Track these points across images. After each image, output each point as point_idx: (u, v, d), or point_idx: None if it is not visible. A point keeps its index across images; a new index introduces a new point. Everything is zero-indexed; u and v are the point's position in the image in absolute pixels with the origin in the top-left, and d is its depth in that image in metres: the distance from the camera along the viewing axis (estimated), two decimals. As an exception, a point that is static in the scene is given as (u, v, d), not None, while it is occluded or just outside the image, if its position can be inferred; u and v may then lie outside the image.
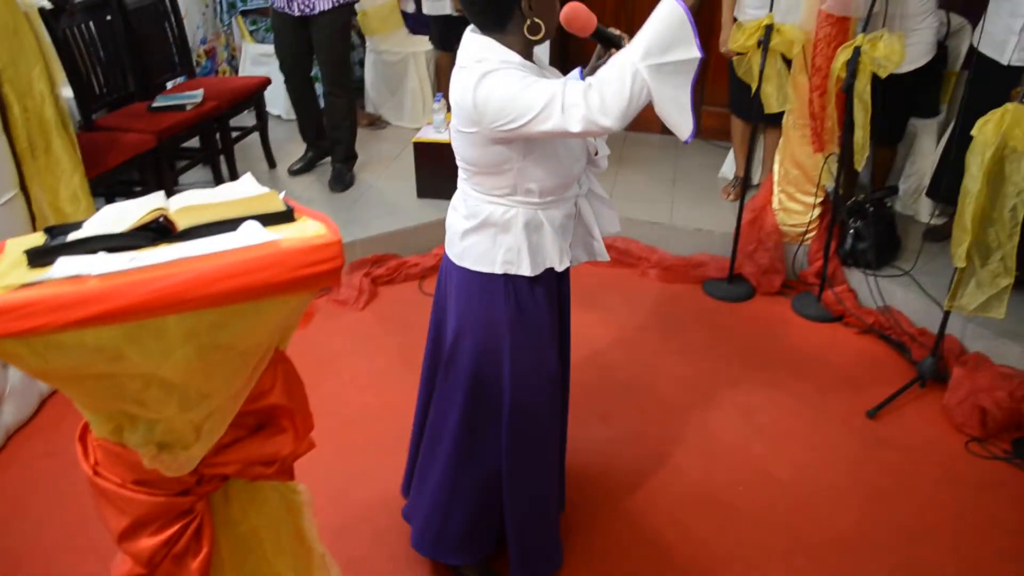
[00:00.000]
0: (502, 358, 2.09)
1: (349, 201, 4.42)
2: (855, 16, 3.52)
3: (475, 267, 2.02)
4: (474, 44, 1.85)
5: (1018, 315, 3.44)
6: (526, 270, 2.00)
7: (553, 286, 2.15)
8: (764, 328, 3.74)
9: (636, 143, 5.16)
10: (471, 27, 1.91)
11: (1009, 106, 2.76)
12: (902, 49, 3.24)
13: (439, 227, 4.19)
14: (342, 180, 4.59)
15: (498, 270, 2.00)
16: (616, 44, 1.85)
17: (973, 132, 2.83)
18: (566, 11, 1.81)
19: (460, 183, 2.06)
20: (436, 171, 4.34)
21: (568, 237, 2.10)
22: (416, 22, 5.69)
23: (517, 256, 1.99)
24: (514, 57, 1.83)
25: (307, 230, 1.15)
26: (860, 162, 3.45)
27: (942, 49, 4.20)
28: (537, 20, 1.82)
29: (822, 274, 3.78)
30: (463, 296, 2.08)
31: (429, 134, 4.34)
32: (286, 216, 1.25)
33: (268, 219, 1.23)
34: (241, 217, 1.22)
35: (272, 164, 4.86)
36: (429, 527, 2.35)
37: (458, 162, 2.01)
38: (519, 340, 2.07)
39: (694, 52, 1.68)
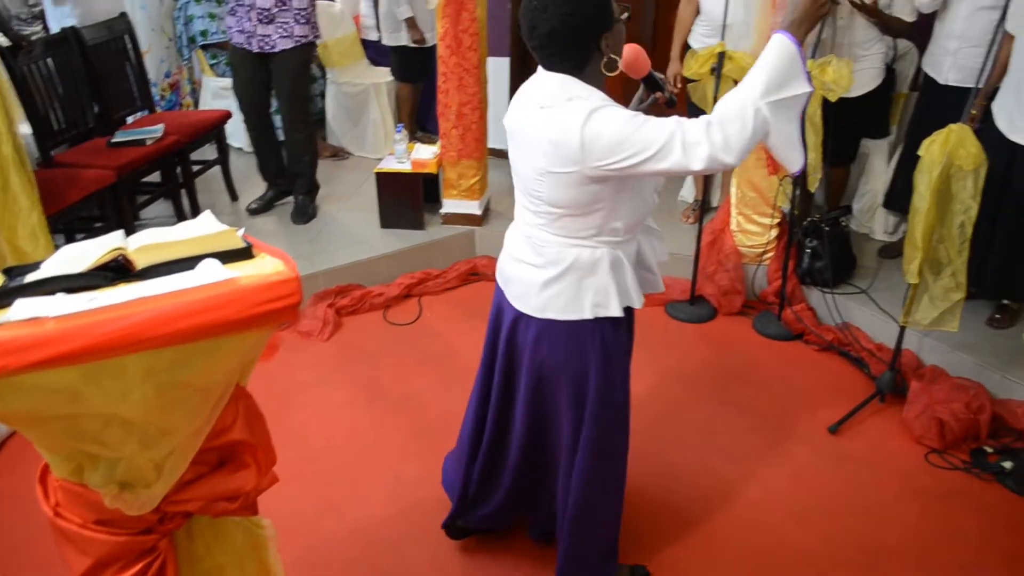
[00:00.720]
0: (586, 406, 2.08)
1: (312, 232, 4.43)
2: (804, 41, 3.61)
3: (562, 316, 1.99)
4: (555, 82, 1.83)
5: (972, 328, 3.54)
6: (615, 311, 1.97)
7: (625, 326, 2.14)
8: (726, 348, 3.79)
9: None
10: (541, 67, 1.90)
11: (953, 126, 2.85)
12: (850, 74, 3.33)
13: (402, 257, 4.26)
14: (305, 212, 4.59)
15: (588, 315, 1.97)
16: (662, 88, 1.92)
17: (920, 152, 2.91)
18: (629, 52, 1.86)
19: (531, 231, 2.00)
20: (399, 201, 4.36)
21: (637, 273, 2.08)
22: (377, 53, 5.74)
23: (606, 298, 1.97)
24: (597, 93, 1.83)
25: (265, 267, 1.17)
26: (813, 183, 3.53)
27: (890, 72, 4.32)
28: (613, 56, 1.84)
29: (781, 293, 3.85)
30: (544, 348, 2.05)
31: (391, 164, 4.37)
32: (245, 253, 1.26)
33: (227, 256, 1.25)
34: (200, 255, 1.24)
35: (234, 197, 4.86)
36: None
37: (535, 208, 1.95)
38: (604, 387, 2.07)
39: (806, 86, 1.76)
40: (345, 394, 3.43)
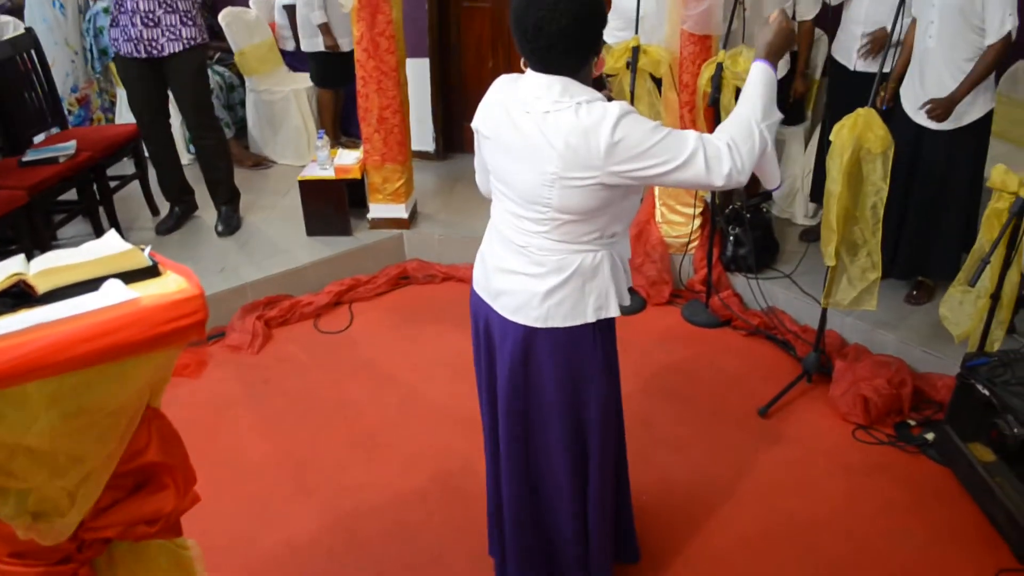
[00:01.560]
0: (590, 407, 2.09)
1: (238, 244, 4.36)
2: (715, 34, 3.68)
3: (565, 323, 1.96)
4: (556, 85, 1.79)
5: (890, 306, 3.65)
6: (614, 311, 1.99)
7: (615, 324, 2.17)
8: (657, 338, 3.84)
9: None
10: (531, 69, 1.84)
11: (861, 111, 2.93)
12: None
13: (331, 264, 4.21)
14: (230, 223, 4.50)
15: (591, 318, 1.97)
16: (605, 85, 1.99)
17: (831, 137, 2.99)
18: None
19: (528, 240, 1.94)
20: (324, 208, 4.32)
21: None
22: (296, 59, 5.67)
23: (607, 300, 1.98)
24: (599, 95, 1.83)
25: (168, 285, 1.15)
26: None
27: (802, 60, 4.43)
28: (602, 56, 1.89)
29: (707, 281, 3.92)
30: (546, 357, 2.01)
31: (314, 171, 4.32)
32: (151, 272, 1.24)
33: (131, 276, 1.22)
34: (103, 276, 1.21)
35: (155, 211, 4.74)
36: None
37: (538, 216, 1.88)
38: (607, 388, 2.09)
39: (779, 113, 1.92)
40: (278, 407, 3.39)
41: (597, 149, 1.73)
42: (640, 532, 2.70)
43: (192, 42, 4.08)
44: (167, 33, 4.00)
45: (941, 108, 3.30)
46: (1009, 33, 3.14)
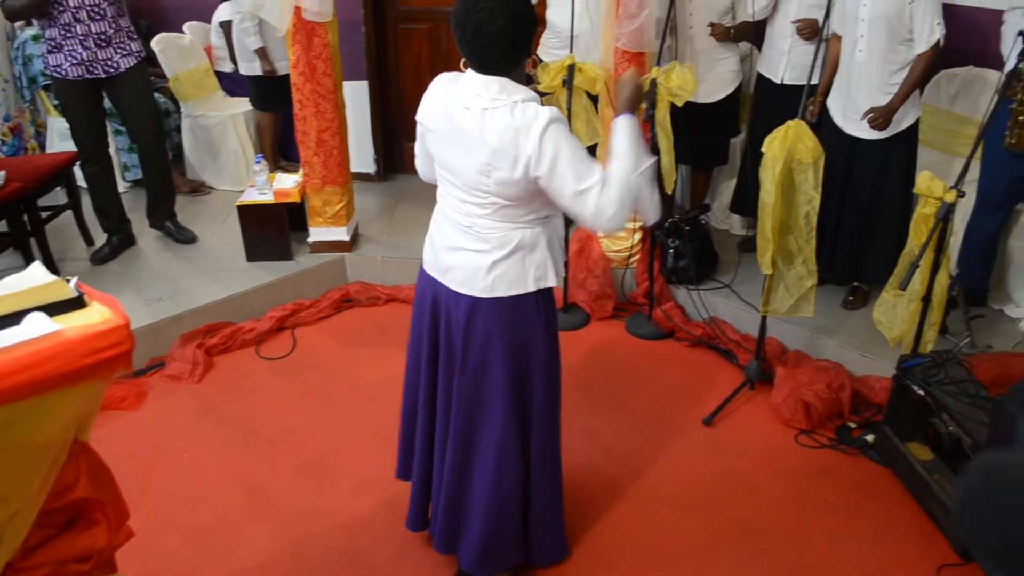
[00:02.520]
0: (533, 371, 2.27)
1: (175, 271, 4.28)
2: (649, 51, 3.74)
3: (508, 292, 2.16)
4: (494, 84, 1.99)
5: (827, 312, 3.73)
6: (552, 281, 2.20)
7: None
8: (602, 352, 3.87)
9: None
10: (471, 69, 2.03)
11: (791, 123, 3.00)
12: (694, 79, 3.46)
13: (272, 289, 4.16)
14: (185, 232, 4.59)
15: (531, 288, 2.17)
16: (532, 80, 2.11)
17: (763, 149, 3.05)
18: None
19: (472, 221, 2.13)
20: (264, 233, 4.27)
21: None
22: (232, 84, 5.61)
23: (545, 271, 2.18)
24: (535, 95, 2.03)
25: (92, 316, 1.13)
26: (669, 186, 3.64)
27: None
28: (533, 56, 2.01)
29: (650, 294, 3.96)
30: (493, 325, 2.19)
31: (253, 196, 4.27)
32: (76, 303, 1.21)
33: (56, 308, 1.19)
34: (26, 309, 1.18)
35: (90, 241, 4.63)
36: (488, 541, 2.40)
37: (479, 200, 2.09)
38: (549, 352, 2.27)
39: (651, 156, 2.06)
40: (222, 436, 3.32)
41: (524, 148, 1.94)
42: (587, 542, 2.72)
43: (141, 54, 4.16)
44: (119, 50, 4.05)
45: (882, 117, 3.40)
46: (938, 41, 3.26)
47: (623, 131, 2.04)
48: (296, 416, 3.43)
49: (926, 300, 2.94)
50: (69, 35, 3.92)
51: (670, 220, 4.05)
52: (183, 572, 2.66)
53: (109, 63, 4.03)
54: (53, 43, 3.95)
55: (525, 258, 2.14)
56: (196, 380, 3.64)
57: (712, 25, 3.91)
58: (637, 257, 4.12)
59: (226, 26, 5.39)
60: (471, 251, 2.15)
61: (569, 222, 4.00)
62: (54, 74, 4.00)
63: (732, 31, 3.94)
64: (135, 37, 4.16)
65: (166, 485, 3.04)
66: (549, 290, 2.25)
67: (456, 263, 2.18)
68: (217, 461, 3.18)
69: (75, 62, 3.96)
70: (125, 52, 4.08)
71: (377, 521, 2.85)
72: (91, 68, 4.00)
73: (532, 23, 2.00)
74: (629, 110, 2.10)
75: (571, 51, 3.66)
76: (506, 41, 1.93)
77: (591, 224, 2.03)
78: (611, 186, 1.96)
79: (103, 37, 3.98)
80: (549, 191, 2.00)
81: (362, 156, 5.32)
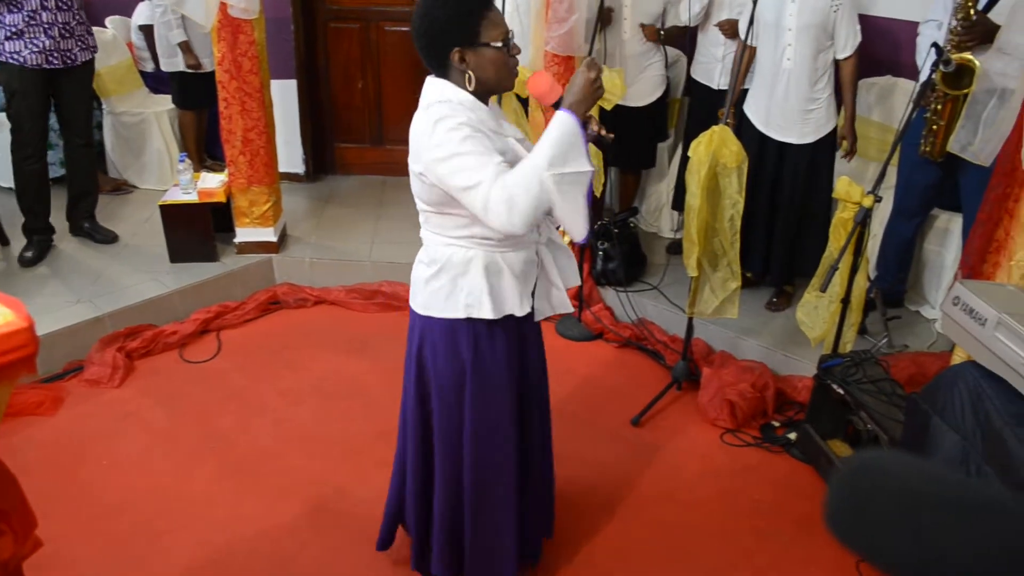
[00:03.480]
0: (463, 406, 2.15)
1: (95, 272, 4.15)
2: (578, 55, 3.77)
3: (439, 314, 2.06)
4: (430, 87, 1.95)
5: (752, 313, 3.81)
6: (487, 312, 2.01)
7: (514, 336, 2.15)
8: (533, 353, 3.87)
9: (398, 186, 5.22)
10: None
11: (716, 128, 3.05)
12: (623, 83, 3.50)
13: (196, 292, 4.07)
14: (107, 232, 4.50)
15: (461, 314, 2.03)
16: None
17: (689, 153, 3.10)
18: (530, 80, 1.93)
19: (422, 231, 2.09)
20: (187, 233, 4.17)
21: (530, 283, 2.12)
22: (156, 81, 5.47)
23: (478, 299, 2.01)
24: (467, 98, 1.91)
25: (-7, 318, 1.08)
26: (598, 188, 3.68)
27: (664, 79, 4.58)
28: (471, 73, 1.88)
29: (579, 296, 3.98)
30: (428, 345, 2.12)
31: (176, 196, 4.17)
32: (-23, 304, 1.16)
33: (-45, 309, 1.14)
34: (-77, 310, 1.13)
35: (5, 242, 4.45)
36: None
37: (418, 206, 2.05)
38: (476, 388, 2.13)
39: (587, 165, 1.81)
40: (142, 442, 3.23)
41: (420, 147, 1.89)
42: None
43: (95, 51, 4.15)
44: (79, 43, 4.04)
45: (851, 139, 3.63)
46: (859, 45, 3.41)
47: (552, 125, 1.82)
48: (219, 421, 3.35)
49: (845, 302, 3.02)
50: (34, 22, 3.85)
51: (599, 223, 4.09)
52: (100, 583, 2.58)
53: (69, 54, 3.98)
54: (14, 29, 3.85)
55: (457, 280, 2.02)
56: (116, 385, 3.53)
57: (643, 27, 3.96)
58: (567, 259, 4.14)
59: (146, 29, 5.27)
60: (418, 263, 2.13)
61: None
62: (10, 60, 3.87)
63: (662, 33, 4.00)
64: (92, 32, 4.13)
65: (84, 493, 2.94)
66: (489, 325, 2.07)
67: (413, 275, 2.15)
68: (137, 468, 3.09)
69: (36, 50, 3.88)
70: (84, 46, 4.06)
71: (302, 528, 2.80)
72: (51, 58, 3.93)
73: (446, 33, 1.87)
74: (574, 109, 1.82)
75: (501, 53, 3.66)
76: (420, 46, 1.91)
77: (488, 225, 1.85)
78: (505, 184, 1.78)
79: (67, 28, 3.94)
80: (446, 188, 1.87)
81: (291, 156, 5.24)
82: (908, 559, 0.83)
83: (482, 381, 2.13)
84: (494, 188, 1.78)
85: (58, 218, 4.45)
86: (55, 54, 3.94)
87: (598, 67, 1.87)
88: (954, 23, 3.16)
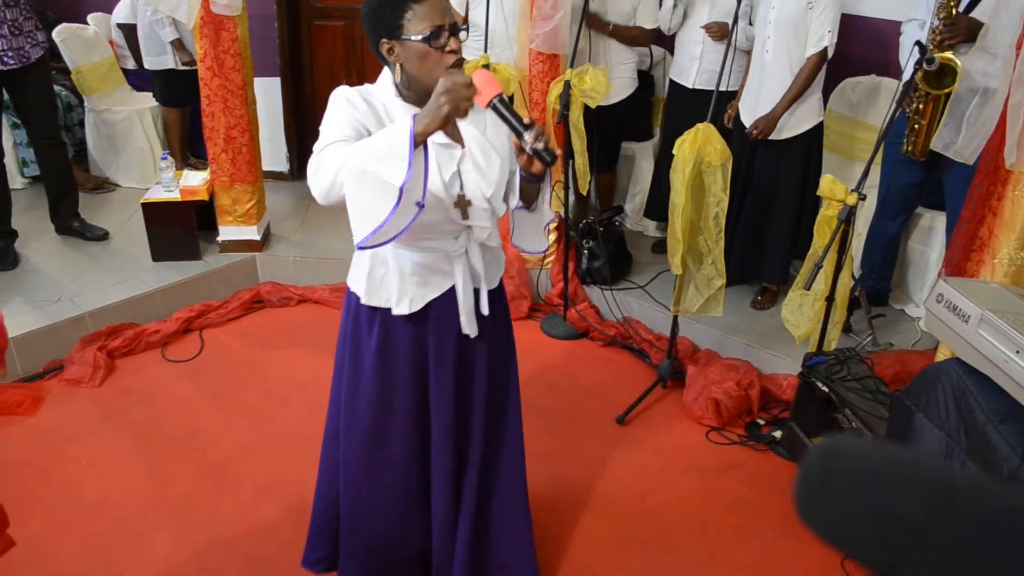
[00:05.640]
0: (340, 376, 2.20)
1: (76, 271, 4.11)
2: (563, 53, 3.76)
3: (349, 282, 2.12)
4: (382, 74, 1.93)
5: (737, 311, 3.81)
6: (361, 293, 2.06)
7: (416, 329, 2.08)
8: (518, 352, 3.84)
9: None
10: None
11: (700, 126, 3.04)
12: (607, 81, 3.49)
13: (178, 290, 4.04)
14: (95, 229, 4.44)
15: (349, 283, 2.11)
16: (515, 129, 1.70)
17: (674, 151, 3.09)
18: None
19: None
20: (170, 231, 4.13)
21: (424, 287, 2.02)
22: (139, 78, 5.43)
23: (359, 279, 2.07)
24: (388, 90, 1.89)
25: (-41, 311, 1.06)
26: (584, 186, 3.67)
27: (649, 78, 4.58)
28: (399, 65, 1.83)
29: (564, 295, 3.97)
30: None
31: (159, 194, 4.13)
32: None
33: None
34: None
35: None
36: None
37: None
38: (347, 361, 2.15)
39: (395, 177, 1.56)
40: (123, 442, 3.20)
41: None
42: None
43: (46, 45, 4.04)
44: (30, 39, 3.93)
45: (763, 124, 3.52)
46: (825, 48, 3.39)
47: (391, 125, 1.65)
48: (201, 420, 3.32)
49: (830, 300, 3.02)
50: None
51: (585, 221, 4.08)
52: (78, 584, 2.55)
53: (22, 52, 3.88)
54: None
55: (358, 257, 2.07)
56: (97, 384, 3.50)
57: (614, 26, 3.94)
58: (552, 258, 4.13)
59: (125, 28, 5.23)
60: None
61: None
62: None
63: (611, 27, 3.97)
64: (41, 27, 4.03)
65: (64, 493, 2.91)
66: (371, 310, 2.06)
67: None
68: (117, 468, 3.06)
69: None
70: (35, 42, 3.95)
71: (284, 527, 2.78)
72: (5, 58, 3.83)
73: (374, 25, 1.82)
74: (417, 117, 1.59)
75: (485, 51, 3.65)
76: (365, 26, 1.88)
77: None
78: (325, 152, 1.70)
79: (15, 25, 3.83)
80: None
81: (275, 154, 5.21)
82: (870, 541, 0.83)
83: (351, 361, 2.15)
84: (322, 152, 1.71)
85: (43, 219, 4.44)
86: (9, 53, 3.83)
87: (463, 78, 1.63)
88: (936, 22, 3.16)
